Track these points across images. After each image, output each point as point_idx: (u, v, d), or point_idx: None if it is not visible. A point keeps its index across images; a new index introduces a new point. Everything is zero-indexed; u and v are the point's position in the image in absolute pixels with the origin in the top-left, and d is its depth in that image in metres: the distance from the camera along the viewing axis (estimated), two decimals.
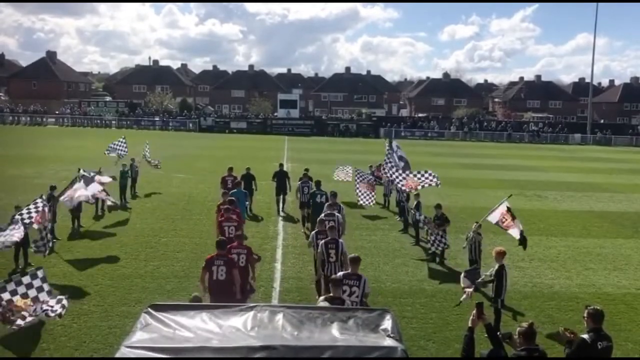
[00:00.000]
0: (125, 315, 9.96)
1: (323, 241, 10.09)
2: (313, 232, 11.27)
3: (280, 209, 19.27)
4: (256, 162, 22.53)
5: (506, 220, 12.24)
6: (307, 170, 18.33)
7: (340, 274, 8.49)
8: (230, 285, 8.76)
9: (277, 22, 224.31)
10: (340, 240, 10.30)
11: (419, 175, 16.34)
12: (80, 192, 15.15)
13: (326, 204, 13.54)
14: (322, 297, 7.72)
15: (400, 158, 17.99)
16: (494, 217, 12.47)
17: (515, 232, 12.01)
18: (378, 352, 4.76)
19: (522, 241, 11.90)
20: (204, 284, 8.91)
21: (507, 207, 12.39)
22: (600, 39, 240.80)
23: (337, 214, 12.46)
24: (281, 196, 19.17)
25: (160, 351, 4.65)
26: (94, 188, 15.70)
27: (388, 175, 17.84)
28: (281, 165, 20.23)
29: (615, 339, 6.83)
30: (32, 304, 8.68)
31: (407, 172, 16.83)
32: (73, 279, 12.00)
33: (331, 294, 7.51)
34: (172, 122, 63.76)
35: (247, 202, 17.37)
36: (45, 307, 8.73)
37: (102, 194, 16.13)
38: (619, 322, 10.54)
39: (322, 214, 12.45)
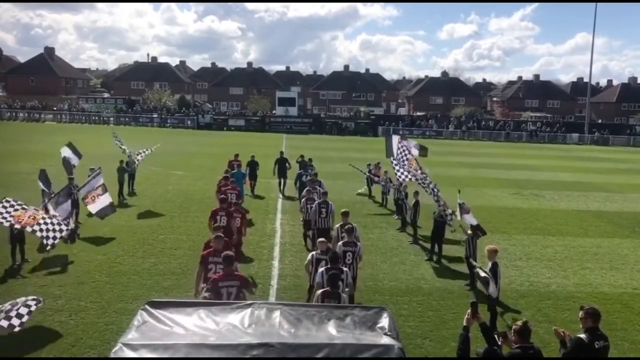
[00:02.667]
0: (122, 312, 9.96)
1: (317, 202, 13.40)
2: (303, 199, 14.50)
3: (282, 190, 22.32)
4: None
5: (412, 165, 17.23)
6: (302, 156, 22.87)
7: (338, 225, 11.29)
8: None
9: (276, 19, 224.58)
10: (330, 202, 13.21)
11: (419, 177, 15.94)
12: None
13: (307, 180, 17.15)
14: (340, 243, 10.04)
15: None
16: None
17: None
18: (375, 350, 4.77)
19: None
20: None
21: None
22: (599, 38, 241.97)
23: (317, 187, 15.83)
24: (282, 179, 22.41)
25: (157, 348, 4.65)
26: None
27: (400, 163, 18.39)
28: (281, 152, 23.35)
29: (611, 338, 6.84)
30: None
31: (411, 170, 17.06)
32: (70, 275, 12.00)
33: (347, 240, 10.04)
34: (170, 119, 63.58)
35: (253, 182, 21.71)
36: None
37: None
38: (615, 321, 10.57)
39: (307, 188, 15.77)
